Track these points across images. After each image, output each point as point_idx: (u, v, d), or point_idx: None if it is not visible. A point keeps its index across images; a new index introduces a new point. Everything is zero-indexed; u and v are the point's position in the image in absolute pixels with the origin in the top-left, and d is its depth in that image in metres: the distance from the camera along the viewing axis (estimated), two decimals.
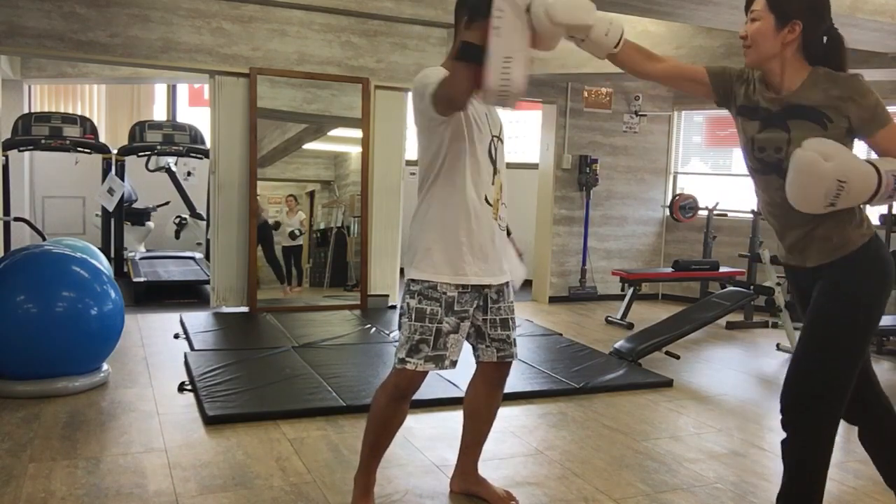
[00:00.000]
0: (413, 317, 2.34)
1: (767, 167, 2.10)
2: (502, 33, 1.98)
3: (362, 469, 2.53)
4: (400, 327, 2.41)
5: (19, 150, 8.07)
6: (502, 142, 2.49)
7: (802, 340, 2.14)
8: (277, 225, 8.99)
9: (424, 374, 2.39)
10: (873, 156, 2.04)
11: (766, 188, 2.15)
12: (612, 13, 2.09)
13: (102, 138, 9.01)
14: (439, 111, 2.20)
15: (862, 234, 2.06)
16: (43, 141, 7.81)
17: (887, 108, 2.03)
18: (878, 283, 2.09)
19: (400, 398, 2.42)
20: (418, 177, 2.43)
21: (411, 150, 6.58)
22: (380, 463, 2.55)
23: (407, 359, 2.34)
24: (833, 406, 2.08)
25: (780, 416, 2.15)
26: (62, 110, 10.02)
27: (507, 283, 2.54)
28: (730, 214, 7.29)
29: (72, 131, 8.00)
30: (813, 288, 2.15)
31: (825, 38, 2.07)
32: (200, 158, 8.55)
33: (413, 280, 2.37)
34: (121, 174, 8.38)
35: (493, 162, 2.40)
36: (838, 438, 3.56)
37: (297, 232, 8.83)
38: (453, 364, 2.40)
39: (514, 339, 2.59)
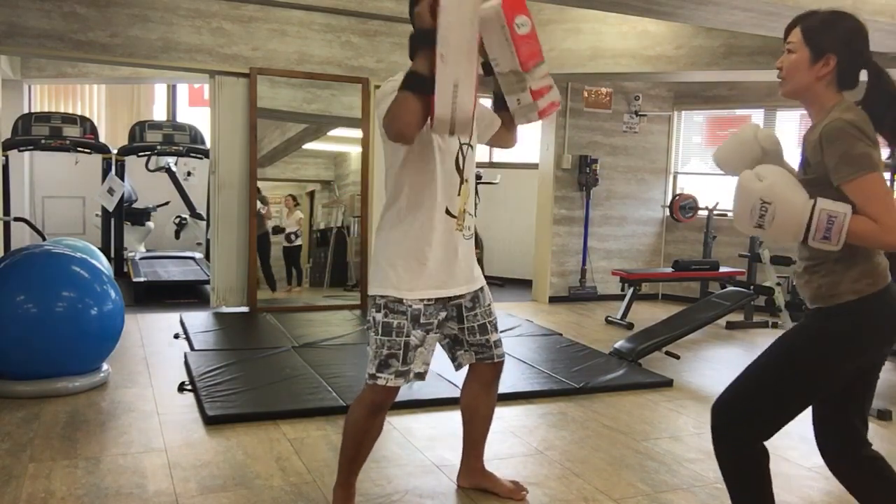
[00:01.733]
0: (380, 331, 2.32)
1: None
2: (448, 60, 1.96)
3: (341, 482, 2.51)
4: (368, 342, 2.40)
5: (19, 150, 8.07)
6: (473, 148, 2.41)
7: (754, 362, 2.07)
8: (281, 230, 9.00)
9: (398, 387, 2.38)
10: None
11: None
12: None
13: (102, 138, 9.01)
14: (391, 139, 2.20)
15: (856, 288, 1.92)
16: (43, 141, 7.81)
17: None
18: (857, 339, 1.96)
19: (377, 411, 2.41)
20: (385, 186, 2.43)
21: None
22: (359, 474, 2.54)
23: (378, 374, 2.33)
24: (753, 434, 2.01)
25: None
26: (62, 110, 10.03)
27: (481, 289, 2.53)
28: (730, 214, 7.27)
29: (72, 131, 8.00)
30: None
31: (862, 72, 1.99)
32: (200, 158, 8.56)
33: (378, 294, 2.35)
34: (121, 174, 8.38)
35: (461, 172, 2.37)
36: None
37: (293, 237, 8.84)
38: (418, 377, 2.39)
39: (497, 341, 2.58)
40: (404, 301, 2.31)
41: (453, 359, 2.59)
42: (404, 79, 2.09)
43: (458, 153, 2.35)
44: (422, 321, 2.34)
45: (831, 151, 1.86)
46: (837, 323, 1.96)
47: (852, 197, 1.85)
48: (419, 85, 2.05)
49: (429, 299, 2.35)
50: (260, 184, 6.47)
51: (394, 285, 2.32)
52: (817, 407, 2.11)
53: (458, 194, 2.37)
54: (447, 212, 2.35)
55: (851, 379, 2.02)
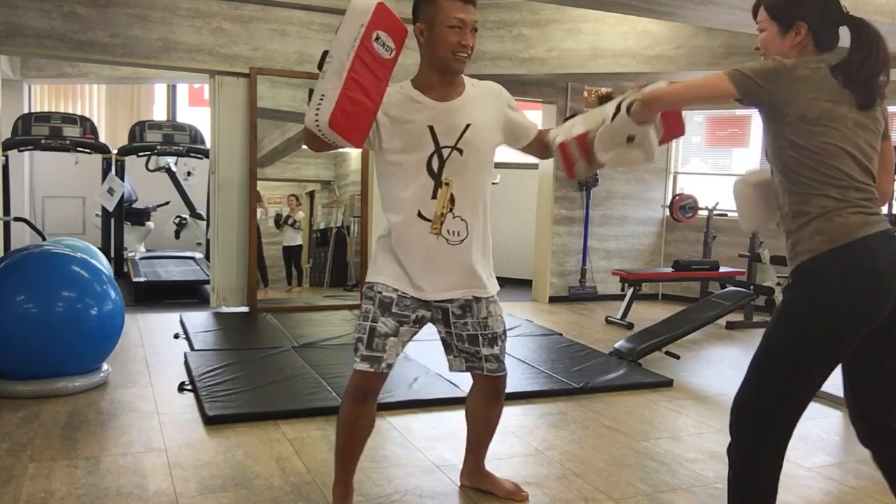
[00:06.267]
0: (359, 316, 2.40)
1: None
2: (325, 76, 2.12)
3: (337, 479, 2.51)
4: None
5: (19, 150, 8.07)
6: (460, 151, 2.31)
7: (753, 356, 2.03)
8: (279, 217, 8.99)
9: (377, 374, 2.34)
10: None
11: None
12: None
13: (102, 138, 9.01)
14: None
15: (810, 247, 1.85)
16: (43, 141, 7.82)
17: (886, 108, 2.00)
18: (827, 304, 1.84)
19: (360, 399, 2.38)
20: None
21: None
22: (354, 473, 2.52)
23: (355, 357, 2.38)
24: (767, 432, 1.95)
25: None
26: (62, 110, 10.03)
27: (475, 300, 2.42)
28: (730, 214, 7.27)
29: (72, 131, 8.00)
30: None
31: (841, 29, 1.98)
32: (200, 158, 8.56)
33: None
34: (121, 174, 8.38)
35: (436, 175, 2.31)
36: (836, 438, 3.57)
37: (294, 223, 8.85)
38: (390, 367, 2.36)
39: (490, 356, 2.49)
40: (375, 287, 2.36)
41: (448, 362, 2.58)
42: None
43: (432, 156, 2.31)
44: (394, 310, 2.34)
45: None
46: (797, 291, 1.89)
47: None
48: None
49: (403, 291, 2.35)
50: (260, 184, 6.47)
51: (371, 273, 2.42)
52: (847, 400, 2.06)
53: (433, 197, 2.33)
54: (420, 215, 2.32)
55: (849, 355, 1.93)
